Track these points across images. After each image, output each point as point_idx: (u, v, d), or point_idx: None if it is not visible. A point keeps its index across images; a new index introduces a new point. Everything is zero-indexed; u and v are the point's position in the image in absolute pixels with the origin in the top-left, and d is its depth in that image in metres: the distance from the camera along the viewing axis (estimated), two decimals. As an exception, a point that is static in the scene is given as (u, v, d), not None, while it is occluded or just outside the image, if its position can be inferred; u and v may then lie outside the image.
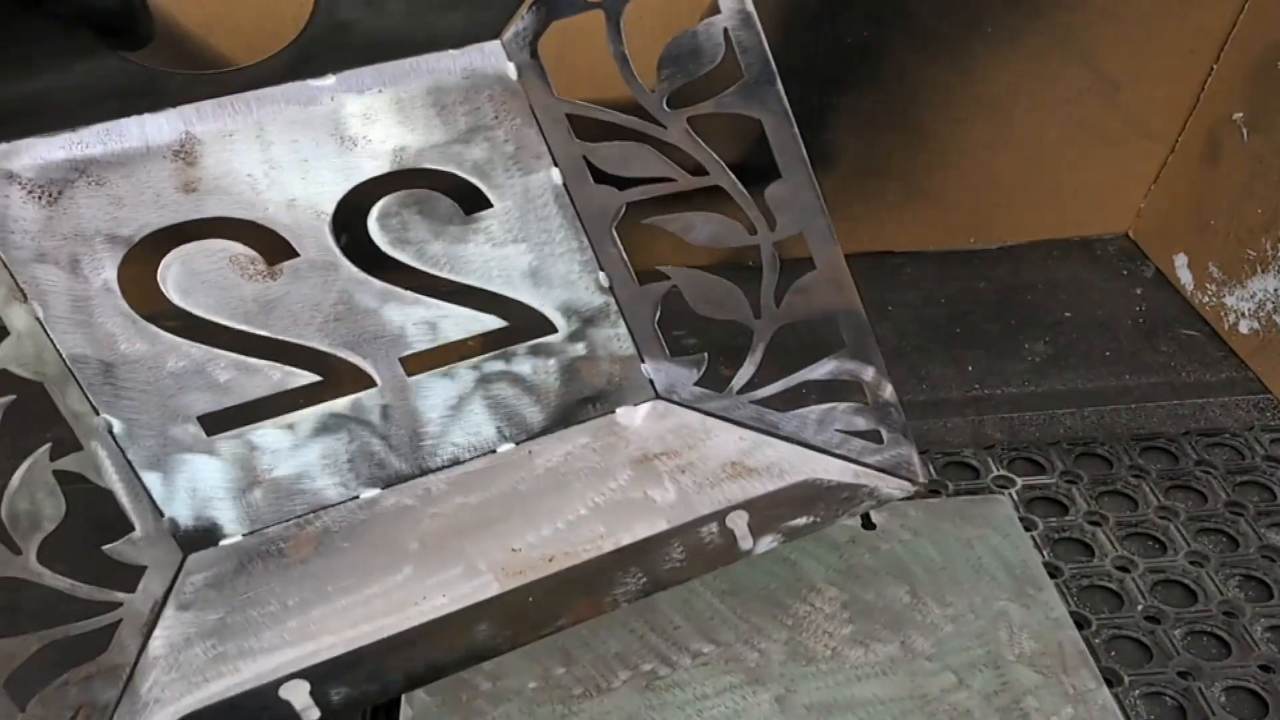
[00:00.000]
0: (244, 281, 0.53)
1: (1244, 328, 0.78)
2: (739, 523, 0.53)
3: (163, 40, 0.66)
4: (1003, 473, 0.68)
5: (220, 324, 0.53)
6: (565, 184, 0.57)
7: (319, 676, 0.48)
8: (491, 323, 0.57)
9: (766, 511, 0.54)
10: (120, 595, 0.48)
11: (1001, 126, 0.85)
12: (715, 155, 0.54)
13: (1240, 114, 0.78)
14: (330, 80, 0.53)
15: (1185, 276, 0.85)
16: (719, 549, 0.54)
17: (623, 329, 0.60)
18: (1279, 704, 0.54)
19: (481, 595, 0.51)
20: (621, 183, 0.56)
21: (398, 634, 0.50)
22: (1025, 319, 0.84)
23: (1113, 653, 0.57)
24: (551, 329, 0.59)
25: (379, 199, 0.55)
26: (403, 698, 0.53)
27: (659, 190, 0.56)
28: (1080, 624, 0.57)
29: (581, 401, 0.60)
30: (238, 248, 0.52)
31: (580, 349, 0.59)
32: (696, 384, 0.60)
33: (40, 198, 0.48)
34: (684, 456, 0.57)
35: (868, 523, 0.63)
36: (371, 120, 0.54)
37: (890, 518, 0.63)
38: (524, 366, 0.58)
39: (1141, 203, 0.91)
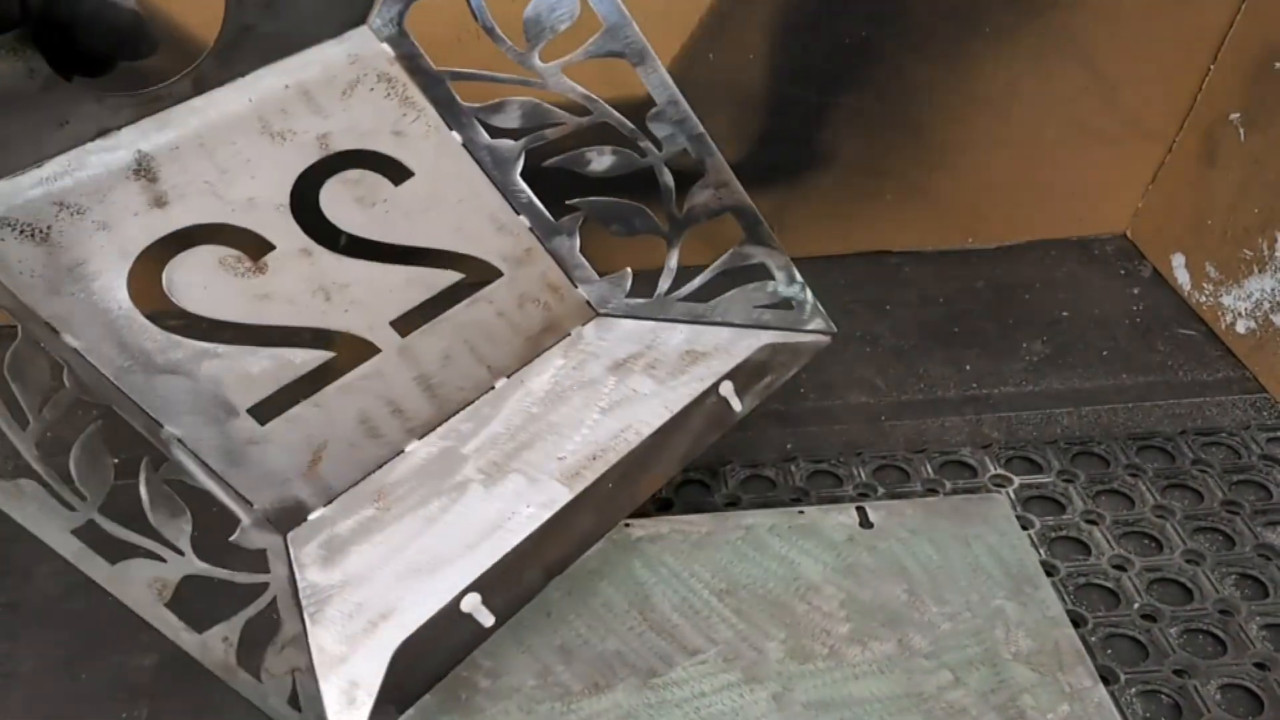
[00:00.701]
0: (237, 280, 0.56)
1: (1240, 327, 0.78)
2: (729, 391, 0.60)
3: (167, 43, 0.66)
4: (1000, 472, 0.69)
5: (231, 322, 0.55)
6: (465, 144, 0.62)
7: (481, 588, 0.51)
8: (451, 277, 0.62)
9: (740, 381, 0.61)
10: (264, 577, 0.51)
11: (999, 126, 0.85)
12: (592, 94, 0.60)
13: (1237, 114, 0.79)
14: (241, 83, 0.56)
15: (1182, 276, 0.86)
16: (719, 416, 0.60)
17: (551, 261, 0.66)
18: (1274, 701, 0.54)
19: (561, 499, 0.55)
20: (516, 134, 0.62)
21: (527, 538, 0.53)
22: (1023, 319, 0.84)
23: (1109, 651, 0.57)
24: (497, 273, 0.64)
25: (323, 184, 0.59)
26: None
27: (552, 135, 0.62)
28: (1076, 622, 0.58)
29: (541, 331, 0.66)
30: (223, 250, 0.55)
31: (524, 285, 0.65)
32: (627, 296, 0.67)
33: (33, 236, 0.50)
34: (646, 356, 0.64)
35: (865, 521, 0.63)
36: (289, 114, 0.57)
37: (888, 517, 0.64)
38: (486, 311, 0.63)
39: (1139, 202, 0.91)
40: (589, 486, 0.55)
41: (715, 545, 0.63)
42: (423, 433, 0.61)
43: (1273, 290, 0.75)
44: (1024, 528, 0.64)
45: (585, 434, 0.59)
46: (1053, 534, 0.64)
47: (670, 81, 0.58)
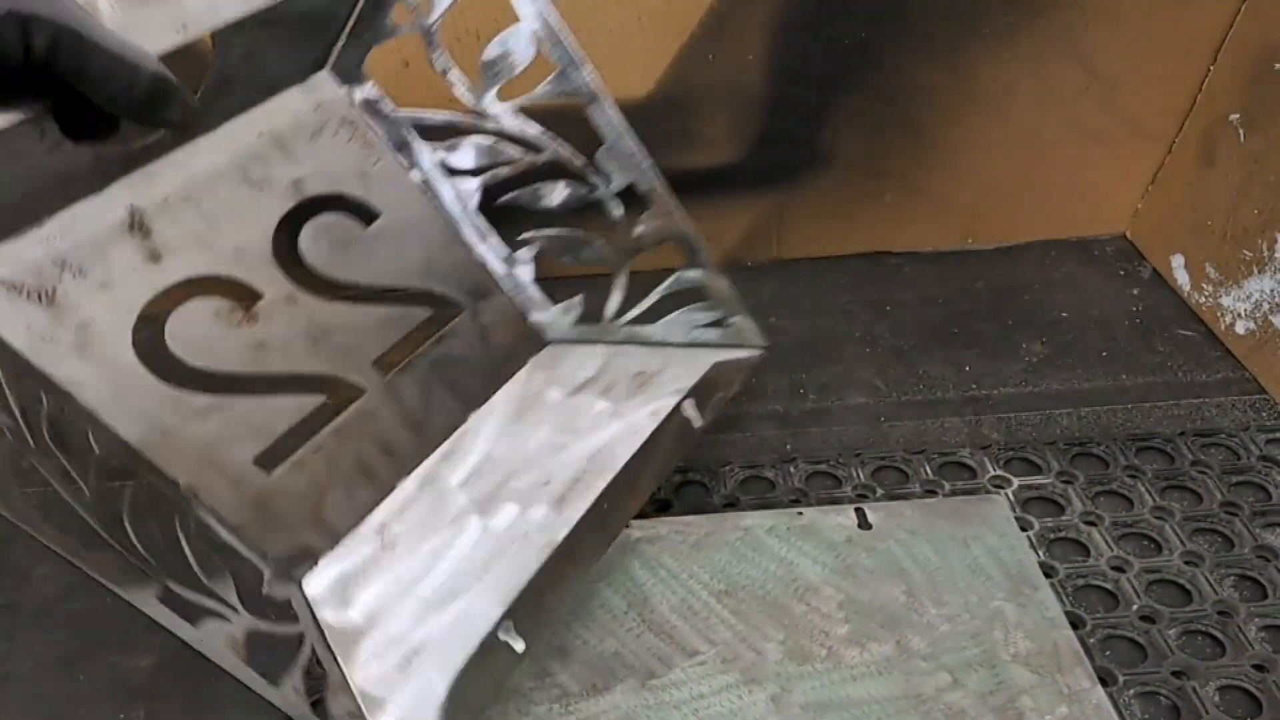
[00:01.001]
0: (232, 330, 0.56)
1: (1240, 328, 0.78)
2: (691, 409, 0.63)
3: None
4: (999, 473, 0.69)
5: (232, 373, 0.56)
6: (424, 184, 0.65)
7: (508, 616, 0.52)
8: (420, 314, 0.64)
9: (698, 397, 0.65)
10: (298, 627, 0.51)
11: (999, 127, 0.85)
12: (546, 131, 0.62)
13: (1237, 115, 0.79)
14: (218, 132, 0.57)
15: (1182, 277, 0.86)
16: (684, 431, 0.63)
17: (507, 293, 0.69)
18: (1273, 703, 0.54)
19: (559, 524, 0.57)
20: (473, 173, 0.65)
21: (542, 566, 0.54)
22: (1022, 319, 0.84)
23: (1107, 652, 0.57)
24: (461, 308, 0.67)
25: (301, 229, 0.60)
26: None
27: (507, 172, 0.65)
28: (1075, 624, 0.58)
29: (504, 361, 0.69)
30: (217, 301, 0.56)
31: (486, 318, 0.68)
32: (578, 322, 0.70)
33: (40, 299, 0.50)
34: (601, 380, 0.67)
35: (864, 522, 0.63)
36: (265, 161, 0.58)
37: (887, 518, 0.64)
38: (455, 345, 0.66)
39: (1139, 203, 0.91)
40: (587, 510, 0.56)
41: (714, 546, 0.63)
42: (411, 469, 0.62)
43: (1272, 291, 0.75)
44: (1023, 529, 0.64)
45: (563, 458, 0.62)
46: (1052, 535, 0.64)
47: (619, 119, 0.60)
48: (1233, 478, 0.67)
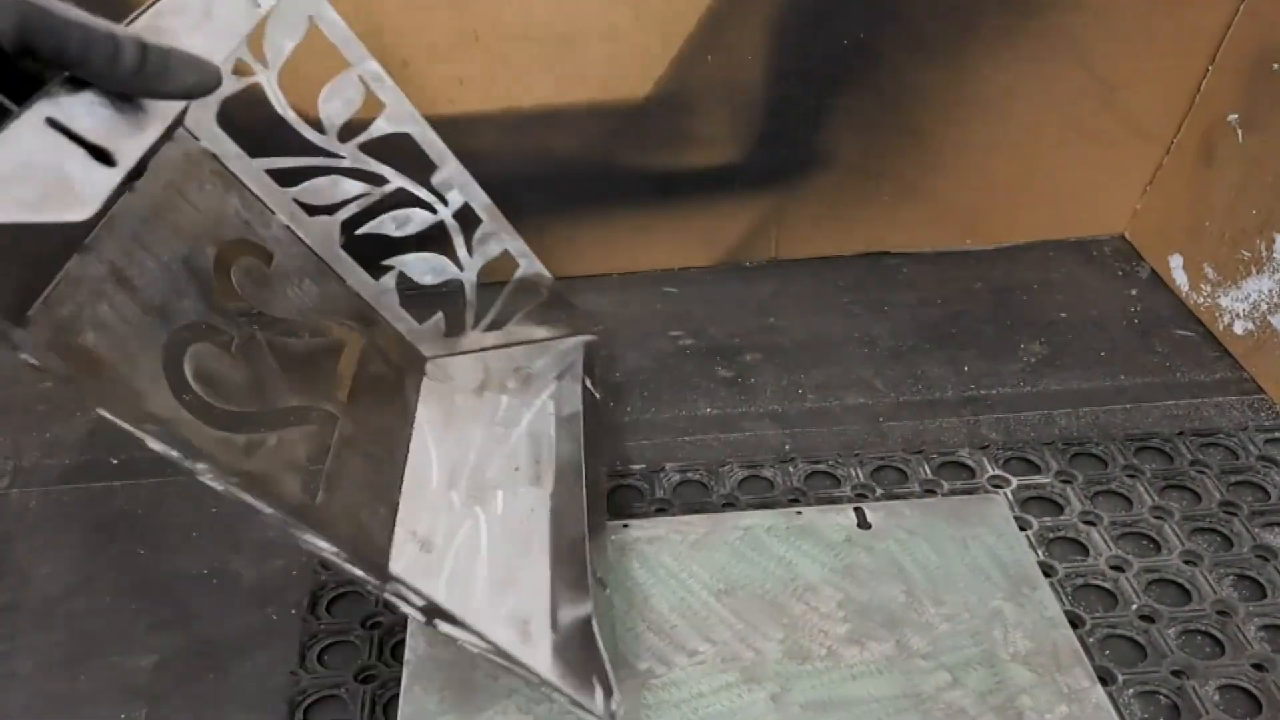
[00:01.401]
0: (228, 369, 0.58)
1: (1238, 328, 0.78)
2: (591, 385, 0.72)
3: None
4: (998, 472, 0.69)
5: (249, 411, 0.57)
6: (290, 224, 0.68)
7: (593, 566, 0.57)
8: (341, 341, 0.68)
9: (590, 377, 0.73)
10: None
11: (997, 127, 0.85)
12: (387, 166, 0.68)
13: (1235, 115, 0.79)
14: (137, 187, 0.58)
15: (1180, 277, 0.86)
16: (595, 405, 0.72)
17: (384, 316, 0.74)
18: (1272, 702, 0.54)
19: (546, 496, 0.64)
20: (331, 210, 0.68)
21: (579, 529, 0.59)
22: (1021, 319, 0.84)
23: (1106, 651, 0.57)
24: (360, 335, 0.71)
25: (230, 271, 0.63)
26: (401, 694, 0.54)
27: (356, 207, 0.69)
28: (1074, 623, 0.58)
29: (407, 378, 0.74)
30: (206, 345, 0.57)
31: (379, 341, 0.72)
32: (445, 336, 0.76)
33: (84, 360, 0.49)
34: (493, 381, 0.75)
35: (863, 522, 0.64)
36: (177, 210, 0.60)
37: (886, 517, 0.64)
38: (371, 368, 0.70)
39: (1137, 204, 0.92)
40: (585, 475, 0.61)
41: (713, 546, 0.63)
42: (399, 483, 0.65)
43: (1270, 291, 0.75)
44: (1022, 528, 0.64)
45: (511, 446, 0.68)
46: (1051, 535, 0.64)
47: (444, 146, 0.67)
48: (1231, 477, 0.68)
